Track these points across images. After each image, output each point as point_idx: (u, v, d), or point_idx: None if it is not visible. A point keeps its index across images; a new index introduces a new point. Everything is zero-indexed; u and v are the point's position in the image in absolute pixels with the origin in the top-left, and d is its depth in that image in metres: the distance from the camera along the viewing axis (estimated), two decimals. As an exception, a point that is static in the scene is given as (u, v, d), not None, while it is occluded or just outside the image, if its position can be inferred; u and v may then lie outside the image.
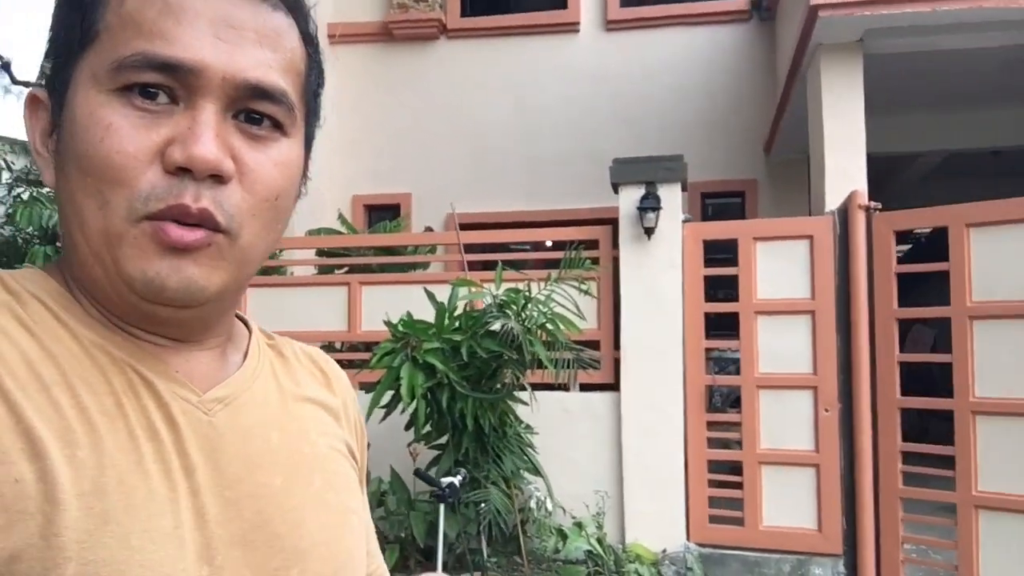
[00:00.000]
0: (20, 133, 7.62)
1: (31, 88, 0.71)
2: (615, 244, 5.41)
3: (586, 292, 4.61)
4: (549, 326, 4.34)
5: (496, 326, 4.17)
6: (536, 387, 4.94)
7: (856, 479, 4.90)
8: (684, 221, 5.34)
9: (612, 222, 5.49)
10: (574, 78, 8.51)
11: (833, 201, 5.32)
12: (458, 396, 4.14)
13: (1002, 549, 4.42)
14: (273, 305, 5.92)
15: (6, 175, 8.18)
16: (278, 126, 0.67)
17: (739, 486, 5.15)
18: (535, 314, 4.33)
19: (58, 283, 0.66)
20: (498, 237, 5.96)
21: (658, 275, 5.25)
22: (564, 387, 5.18)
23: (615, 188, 5.36)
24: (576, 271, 4.55)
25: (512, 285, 4.59)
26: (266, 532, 0.67)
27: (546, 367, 4.29)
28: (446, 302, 4.60)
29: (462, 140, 8.60)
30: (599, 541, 4.87)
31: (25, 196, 7.54)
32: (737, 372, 5.32)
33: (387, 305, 5.02)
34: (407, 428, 4.40)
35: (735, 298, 5.27)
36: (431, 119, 8.67)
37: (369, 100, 8.77)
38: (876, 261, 4.96)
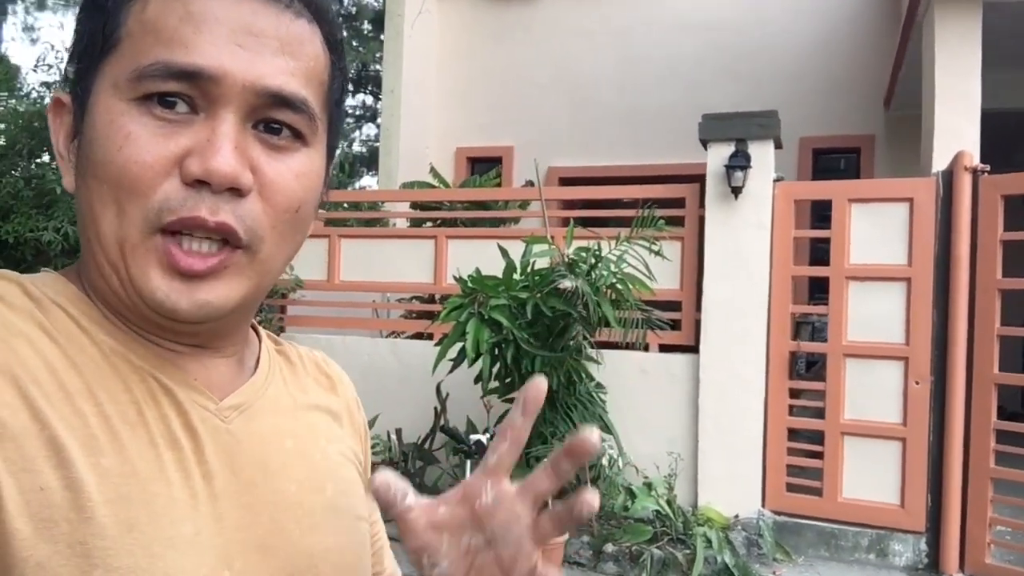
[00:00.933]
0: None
1: (55, 91, 0.72)
2: (702, 203, 5.28)
3: (657, 253, 4.54)
4: (619, 286, 4.31)
5: (564, 284, 4.17)
6: (613, 346, 4.95)
7: (944, 456, 4.69)
8: (775, 180, 5.15)
9: (703, 179, 5.36)
10: (683, 28, 8.23)
11: (941, 162, 5.00)
12: (523, 353, 4.19)
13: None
14: (365, 256, 6.14)
15: None
16: (299, 136, 0.66)
17: (819, 456, 5.02)
18: (605, 273, 4.30)
19: (77, 288, 0.66)
20: (583, 194, 5.93)
21: (744, 235, 5.11)
22: (644, 347, 5.15)
23: (704, 145, 5.22)
24: (649, 231, 4.47)
25: (585, 243, 4.57)
26: (281, 538, 0.68)
27: (612, 327, 4.27)
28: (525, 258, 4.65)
29: (565, 92, 8.52)
30: (668, 502, 4.86)
31: None
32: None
33: (472, 259, 5.11)
34: (475, 382, 4.49)
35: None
36: (535, 71, 8.62)
37: (474, 53, 8.80)
38: (981, 228, 4.66)
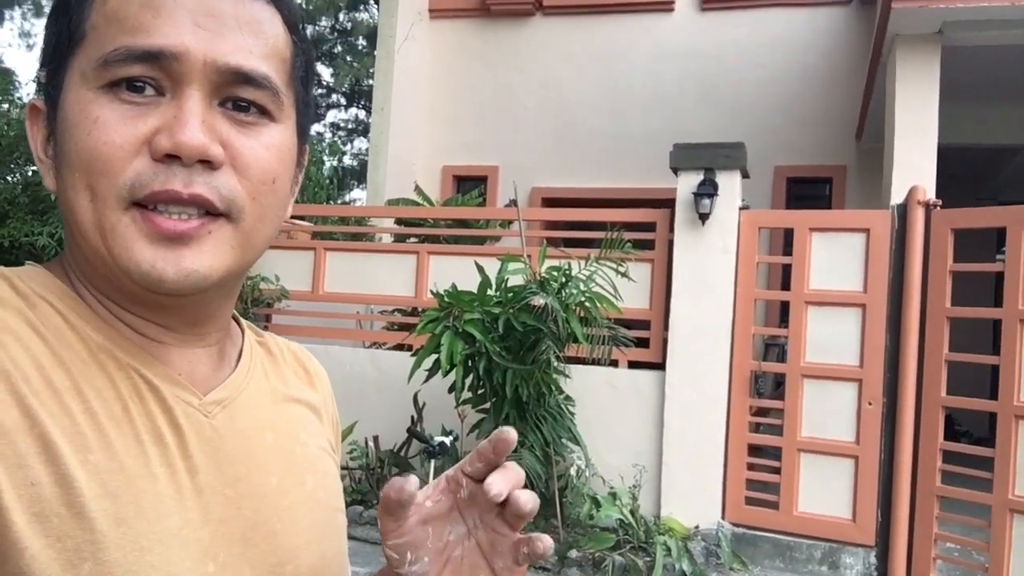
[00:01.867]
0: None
1: (31, 99, 0.73)
2: (672, 228, 5.54)
3: (623, 274, 4.79)
4: (587, 304, 4.56)
5: (536, 301, 4.41)
6: (582, 362, 5.19)
7: (894, 473, 4.93)
8: (741, 208, 5.42)
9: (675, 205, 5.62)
10: (666, 57, 8.54)
11: (899, 194, 5.27)
12: (495, 365, 4.42)
13: (1036, 555, 4.40)
14: (349, 268, 6.37)
15: None
16: (265, 112, 0.67)
17: (777, 471, 5.26)
18: (575, 292, 4.55)
19: (63, 283, 0.67)
20: (560, 215, 6.19)
21: (711, 260, 5.36)
22: (613, 363, 5.40)
23: (675, 172, 5.48)
24: (617, 253, 4.72)
25: (557, 263, 4.83)
26: (264, 530, 0.70)
27: (580, 343, 4.52)
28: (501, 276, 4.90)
29: (551, 116, 8.80)
30: (632, 512, 5.09)
31: None
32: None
33: (451, 274, 5.35)
34: (449, 392, 4.72)
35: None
36: (522, 94, 8.90)
37: (463, 74, 9.07)
38: (932, 259, 4.93)
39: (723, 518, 5.30)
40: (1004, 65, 5.95)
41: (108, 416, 0.62)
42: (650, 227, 5.67)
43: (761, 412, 5.60)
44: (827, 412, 5.15)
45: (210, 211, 0.63)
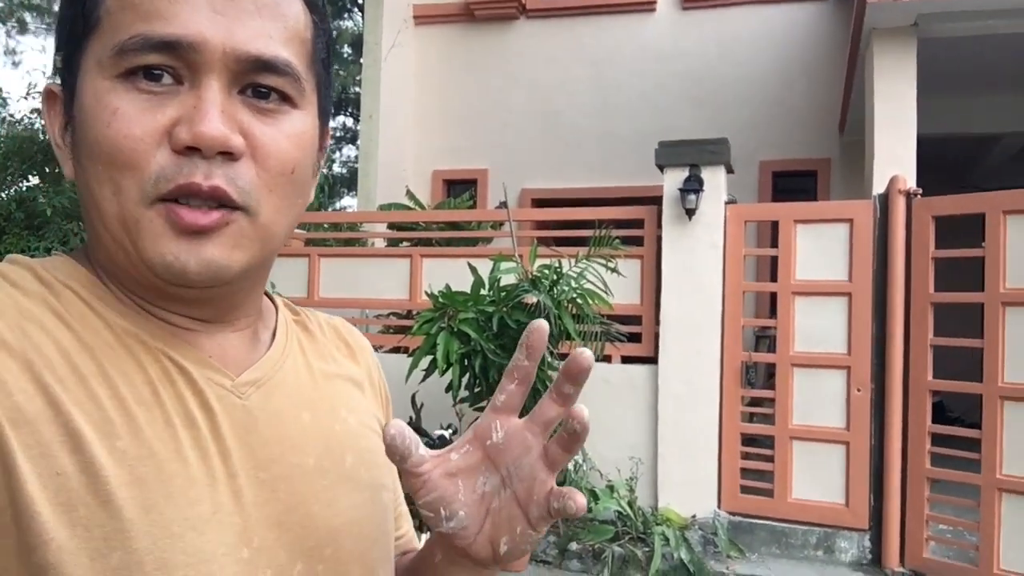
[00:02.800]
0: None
1: (48, 83, 0.71)
2: (660, 224, 5.64)
3: (613, 270, 4.88)
4: (579, 301, 4.65)
5: (528, 299, 4.51)
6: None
7: (885, 458, 5.03)
8: (727, 202, 5.52)
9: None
10: (650, 57, 8.66)
11: (881, 184, 5.38)
12: (491, 363, 4.51)
13: (1024, 532, 4.50)
14: (343, 274, 6.46)
15: None
16: (286, 98, 0.66)
17: (770, 459, 5.36)
18: (566, 289, 4.65)
19: (87, 270, 0.66)
20: (550, 215, 6.29)
21: (698, 255, 5.46)
22: (606, 358, 5.50)
23: (661, 170, 5.58)
24: (606, 250, 4.82)
25: (548, 261, 4.92)
26: (300, 513, 0.68)
27: (574, 339, 4.61)
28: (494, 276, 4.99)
29: (538, 118, 8.90)
30: (629, 504, 5.18)
31: None
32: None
33: (445, 276, 5.44)
34: (446, 391, 4.81)
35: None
36: (509, 97, 9.00)
37: (450, 79, 9.17)
38: (914, 246, 5.03)
39: (719, 507, 5.40)
40: (980, 55, 6.08)
41: (137, 401, 0.61)
42: (638, 224, 5.77)
43: (753, 402, 5.70)
44: (817, 400, 5.25)
45: (227, 204, 0.62)
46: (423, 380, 4.72)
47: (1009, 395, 4.56)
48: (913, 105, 5.48)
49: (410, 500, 0.74)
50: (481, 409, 5.04)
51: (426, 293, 4.82)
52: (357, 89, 16.59)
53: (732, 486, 5.42)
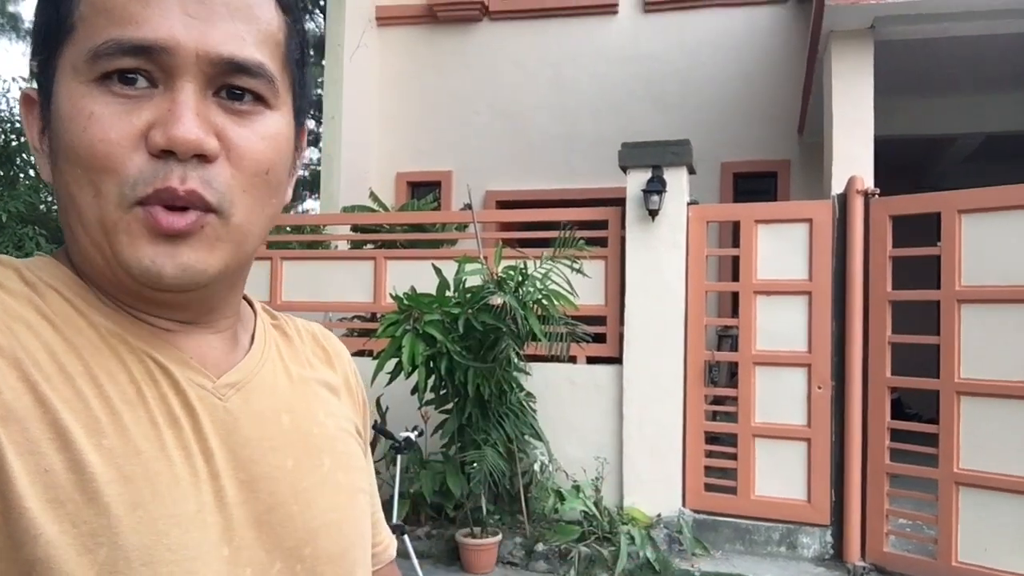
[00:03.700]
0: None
1: (25, 88, 0.72)
2: (624, 225, 5.67)
3: (577, 271, 4.90)
4: (544, 302, 4.66)
5: (494, 300, 4.51)
6: (542, 359, 5.30)
7: (845, 454, 5.12)
8: (689, 203, 5.57)
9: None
10: (612, 59, 8.71)
11: (839, 185, 5.46)
12: (456, 365, 4.51)
13: (981, 524, 4.60)
14: (307, 277, 6.41)
15: None
16: (261, 100, 0.66)
17: (734, 457, 5.41)
18: (531, 290, 4.66)
19: (70, 271, 0.67)
20: (515, 216, 6.30)
21: (662, 255, 5.51)
22: (571, 359, 5.52)
23: (624, 171, 5.62)
24: (571, 251, 4.84)
25: (513, 263, 4.93)
26: (280, 513, 0.69)
27: (540, 340, 4.62)
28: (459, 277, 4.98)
29: (502, 120, 8.91)
30: (595, 504, 5.20)
31: None
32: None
33: (409, 278, 5.42)
34: (412, 393, 4.79)
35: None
36: (472, 99, 9.00)
37: (413, 80, 9.14)
38: (872, 245, 5.12)
39: (684, 505, 5.45)
40: (936, 58, 6.20)
41: (122, 400, 0.62)
42: (602, 225, 5.80)
43: (717, 400, 5.76)
44: (779, 397, 5.32)
45: (201, 207, 0.63)
46: (389, 383, 4.69)
47: (966, 390, 4.65)
48: (871, 107, 5.57)
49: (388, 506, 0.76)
50: (447, 412, 5.03)
51: (391, 295, 4.80)
52: (319, 91, 16.49)
53: (696, 484, 5.47)
